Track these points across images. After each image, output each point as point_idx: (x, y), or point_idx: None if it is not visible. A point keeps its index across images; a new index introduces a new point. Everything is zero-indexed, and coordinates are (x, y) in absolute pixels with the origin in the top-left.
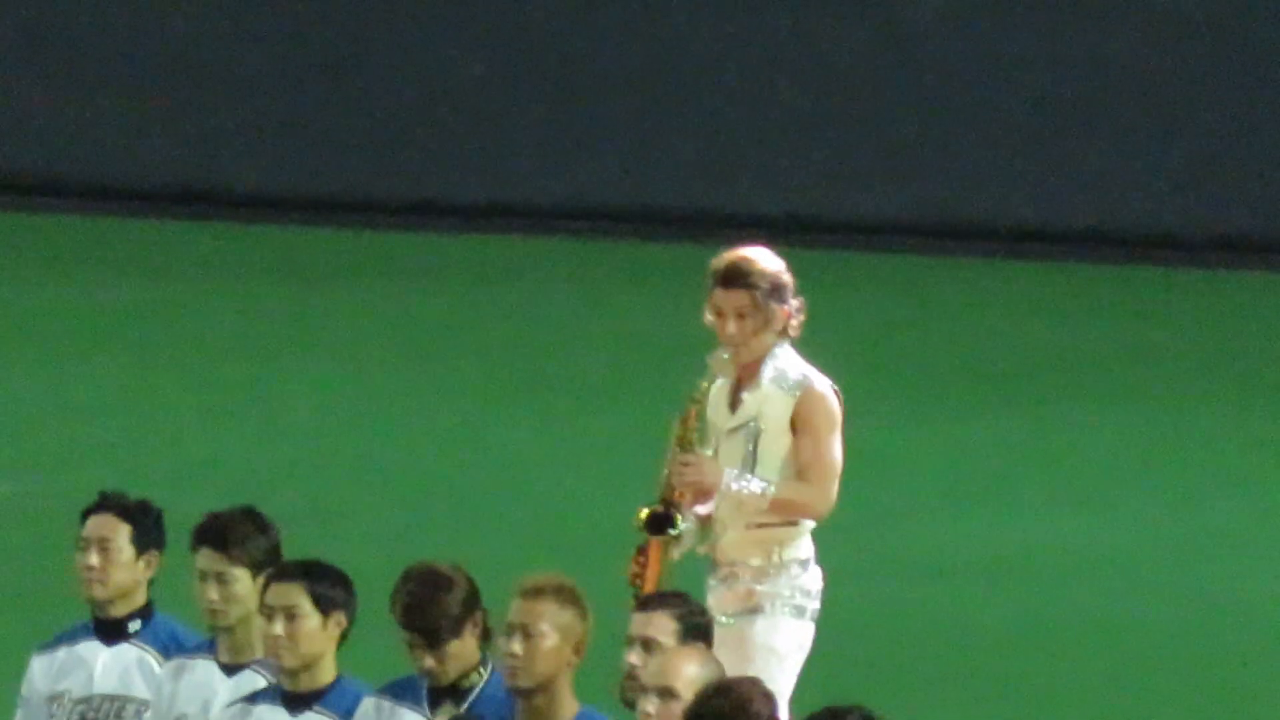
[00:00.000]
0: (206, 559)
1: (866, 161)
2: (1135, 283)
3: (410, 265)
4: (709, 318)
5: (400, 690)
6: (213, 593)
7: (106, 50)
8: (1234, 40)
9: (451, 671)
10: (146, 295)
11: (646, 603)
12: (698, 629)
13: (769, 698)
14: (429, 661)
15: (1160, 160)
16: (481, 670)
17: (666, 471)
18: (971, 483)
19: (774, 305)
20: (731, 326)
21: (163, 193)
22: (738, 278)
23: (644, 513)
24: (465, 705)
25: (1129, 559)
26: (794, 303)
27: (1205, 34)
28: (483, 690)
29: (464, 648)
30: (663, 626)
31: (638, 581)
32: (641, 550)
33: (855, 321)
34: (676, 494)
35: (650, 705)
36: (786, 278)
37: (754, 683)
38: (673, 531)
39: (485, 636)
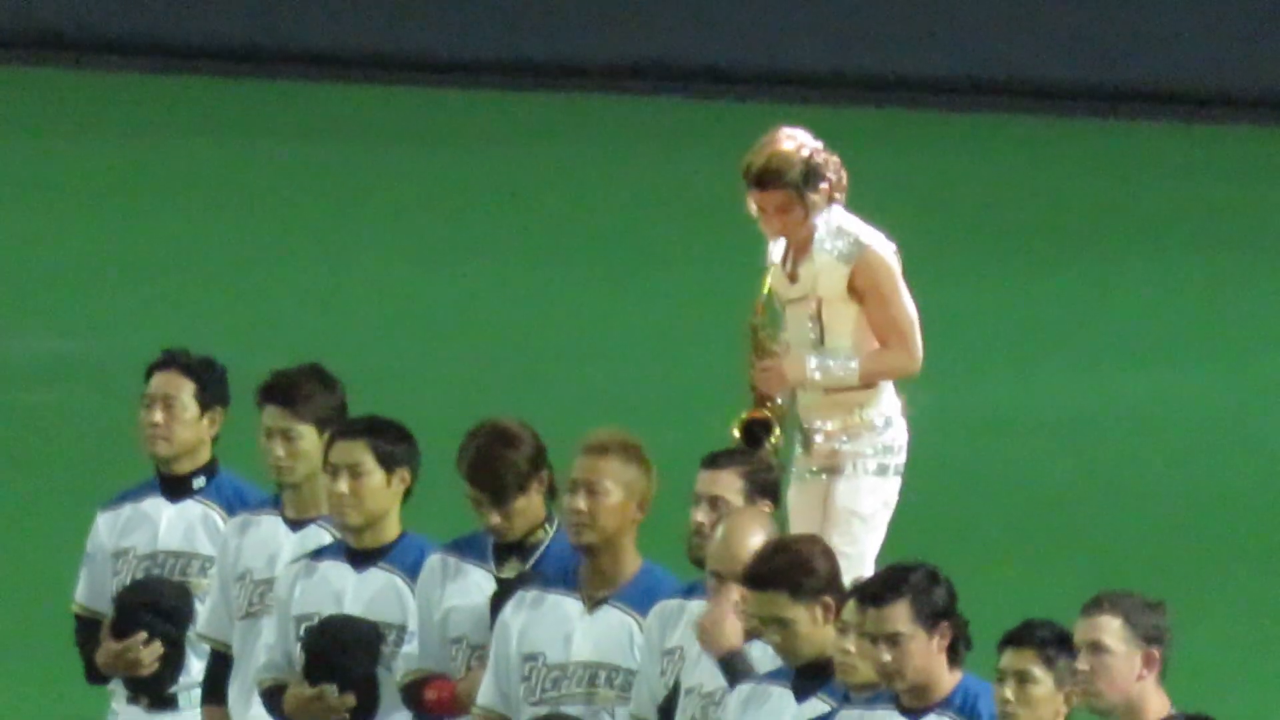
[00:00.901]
0: (272, 416)
1: (922, 19)
2: (1195, 140)
3: (475, 125)
4: (753, 211)
5: (466, 546)
6: (279, 449)
7: None
8: None
9: (517, 528)
10: (209, 153)
11: (714, 460)
12: (765, 486)
13: (829, 555)
14: (495, 518)
15: (1221, 18)
16: (547, 527)
17: (751, 381)
18: (1035, 340)
19: (811, 192)
20: (776, 222)
21: (229, 51)
22: (770, 177)
23: (737, 429)
24: (530, 561)
25: (1196, 414)
26: (831, 176)
27: None
28: (548, 547)
29: (530, 504)
30: (729, 484)
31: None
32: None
33: (915, 180)
34: (767, 404)
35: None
36: (818, 157)
37: (813, 540)
38: (771, 441)
39: (552, 494)
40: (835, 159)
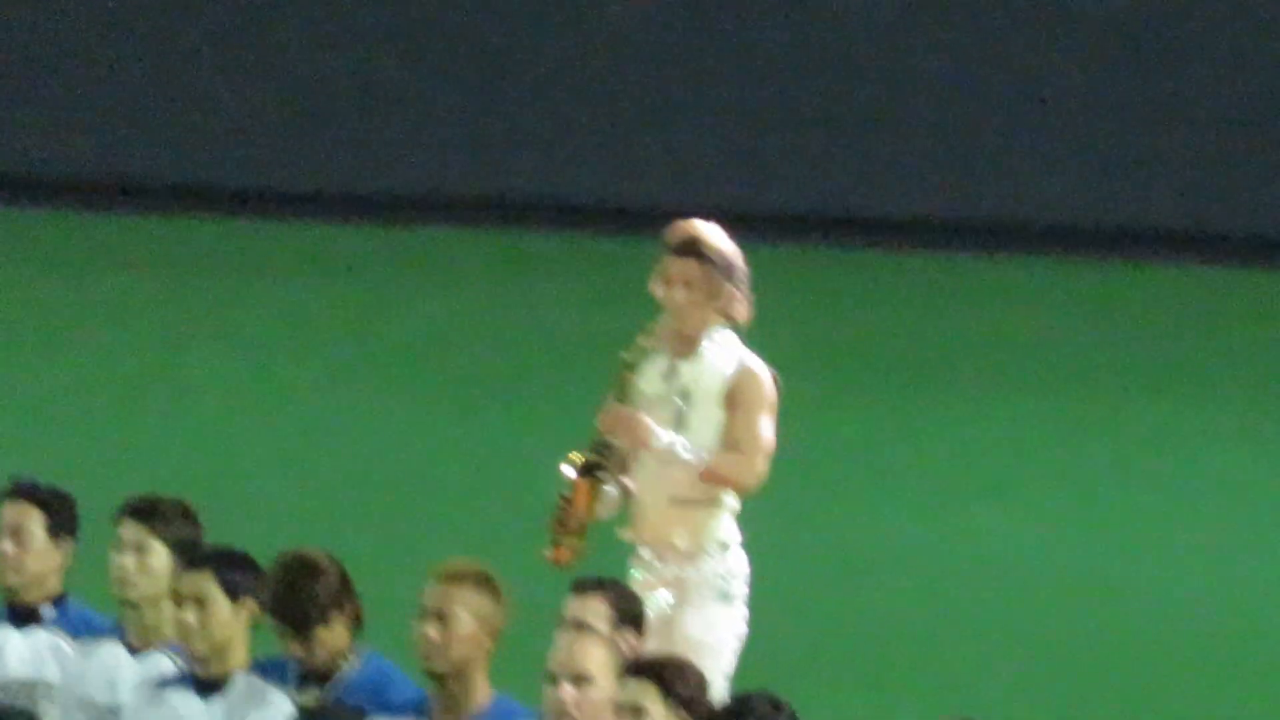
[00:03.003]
0: (130, 529)
1: (768, 154)
2: (1042, 273)
3: (321, 257)
4: (658, 287)
5: (270, 669)
6: (129, 561)
7: None
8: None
9: (319, 657)
10: (49, 288)
11: (583, 586)
12: (631, 615)
13: (702, 681)
14: (295, 648)
15: (1049, 149)
16: (350, 657)
17: (602, 418)
18: (881, 474)
19: (722, 280)
20: (680, 294)
21: (69, 184)
22: (691, 246)
23: (576, 457)
24: (330, 691)
25: (1038, 551)
26: (743, 289)
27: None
28: (352, 677)
29: (332, 635)
30: (598, 611)
31: (559, 530)
32: (567, 499)
33: (768, 314)
34: (609, 445)
35: (566, 693)
36: (740, 262)
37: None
38: (602, 474)
39: (357, 624)
40: (749, 285)
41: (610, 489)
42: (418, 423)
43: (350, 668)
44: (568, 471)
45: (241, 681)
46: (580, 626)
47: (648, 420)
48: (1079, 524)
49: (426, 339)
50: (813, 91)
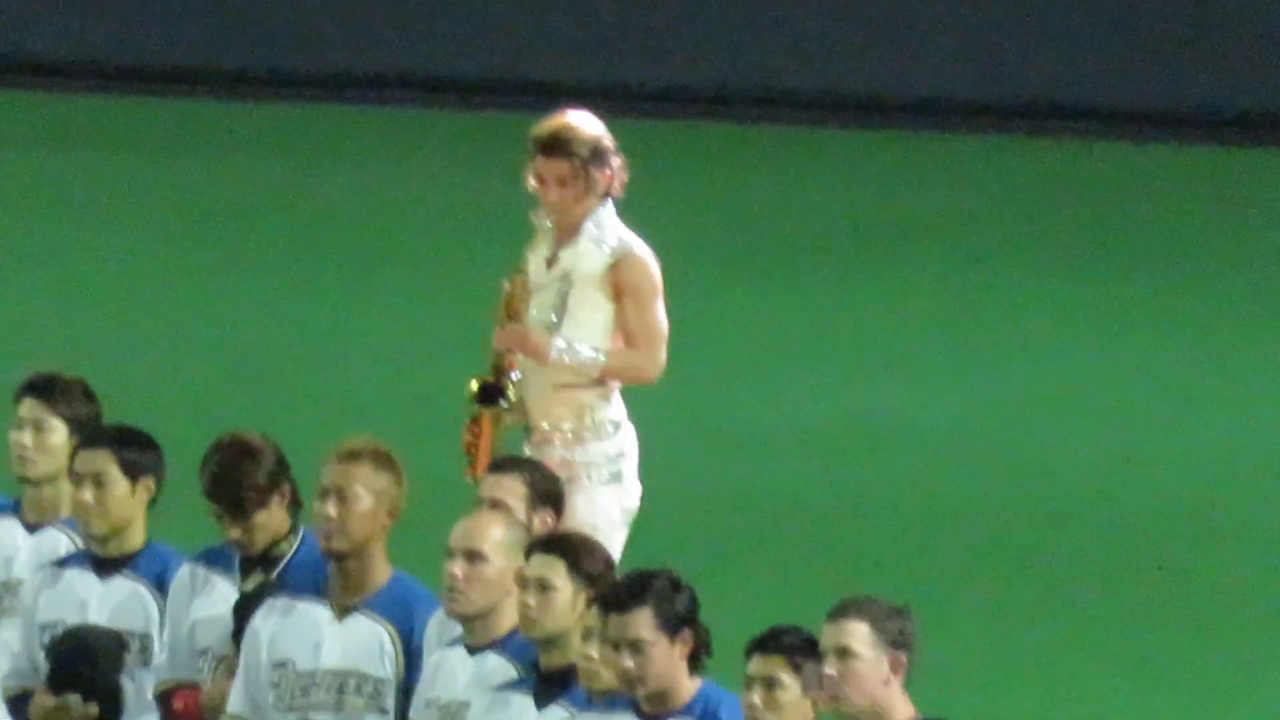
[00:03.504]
0: (28, 407)
1: (667, 25)
2: (939, 150)
3: (226, 136)
4: (531, 184)
5: (214, 557)
6: (27, 438)
7: None
8: None
9: (259, 541)
10: None
11: (500, 465)
12: (549, 495)
13: (609, 560)
14: (235, 532)
15: (948, 24)
16: (291, 539)
17: (495, 341)
18: (780, 352)
19: (595, 170)
20: (553, 194)
21: None
22: (558, 145)
23: (474, 384)
24: (274, 573)
25: (937, 427)
26: (615, 162)
27: None
28: (292, 558)
29: (271, 518)
30: (512, 489)
31: (472, 451)
32: (475, 420)
33: (663, 191)
34: (507, 363)
35: (458, 569)
36: (607, 141)
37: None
38: (504, 404)
39: (295, 505)
40: (622, 155)
41: (516, 394)
42: (309, 301)
43: (290, 548)
44: (471, 399)
45: (186, 571)
46: (495, 505)
47: (539, 336)
48: (982, 399)
49: (327, 217)
50: None
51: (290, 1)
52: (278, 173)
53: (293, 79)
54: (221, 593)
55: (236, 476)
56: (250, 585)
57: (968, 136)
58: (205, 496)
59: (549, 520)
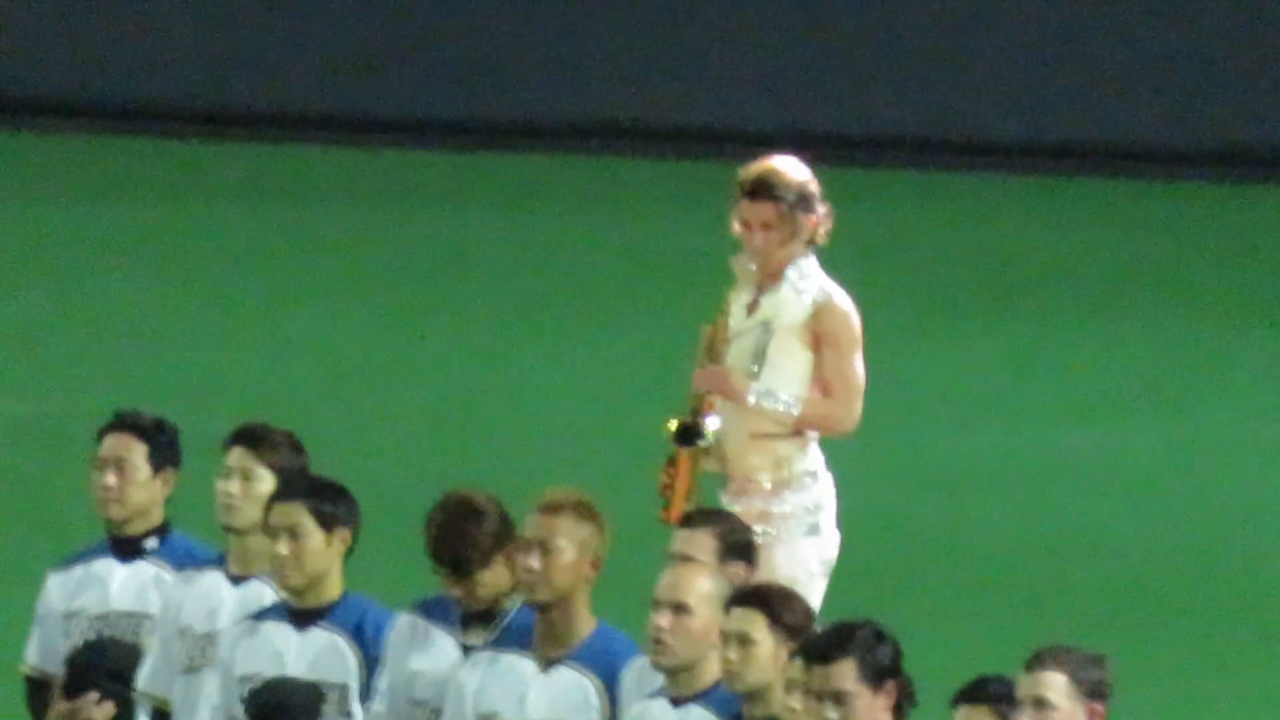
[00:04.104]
0: (237, 456)
1: (867, 73)
2: (1145, 196)
3: (422, 186)
4: (736, 228)
5: (435, 609)
6: (234, 486)
7: None
8: None
9: (482, 598)
10: (158, 215)
11: (690, 520)
12: (739, 547)
13: (810, 611)
14: (458, 591)
15: (1165, 75)
16: (515, 596)
17: (695, 382)
18: (978, 396)
19: (800, 215)
20: (759, 239)
21: (177, 112)
22: (764, 189)
23: (673, 424)
24: (496, 629)
25: (1140, 469)
26: (821, 210)
27: None
28: (515, 615)
29: (494, 576)
30: (703, 545)
31: (667, 493)
32: (672, 461)
33: (860, 236)
34: (706, 404)
35: (663, 620)
36: (813, 186)
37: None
38: (701, 443)
39: None
40: (827, 203)
41: (714, 433)
42: (516, 350)
43: (513, 606)
44: (670, 439)
45: (406, 622)
46: (685, 560)
47: (739, 379)
48: (1185, 441)
49: (527, 265)
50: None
51: (500, 49)
52: (486, 221)
53: (497, 127)
54: (442, 646)
55: (460, 536)
56: (472, 640)
57: (1174, 184)
58: (429, 555)
59: (740, 573)
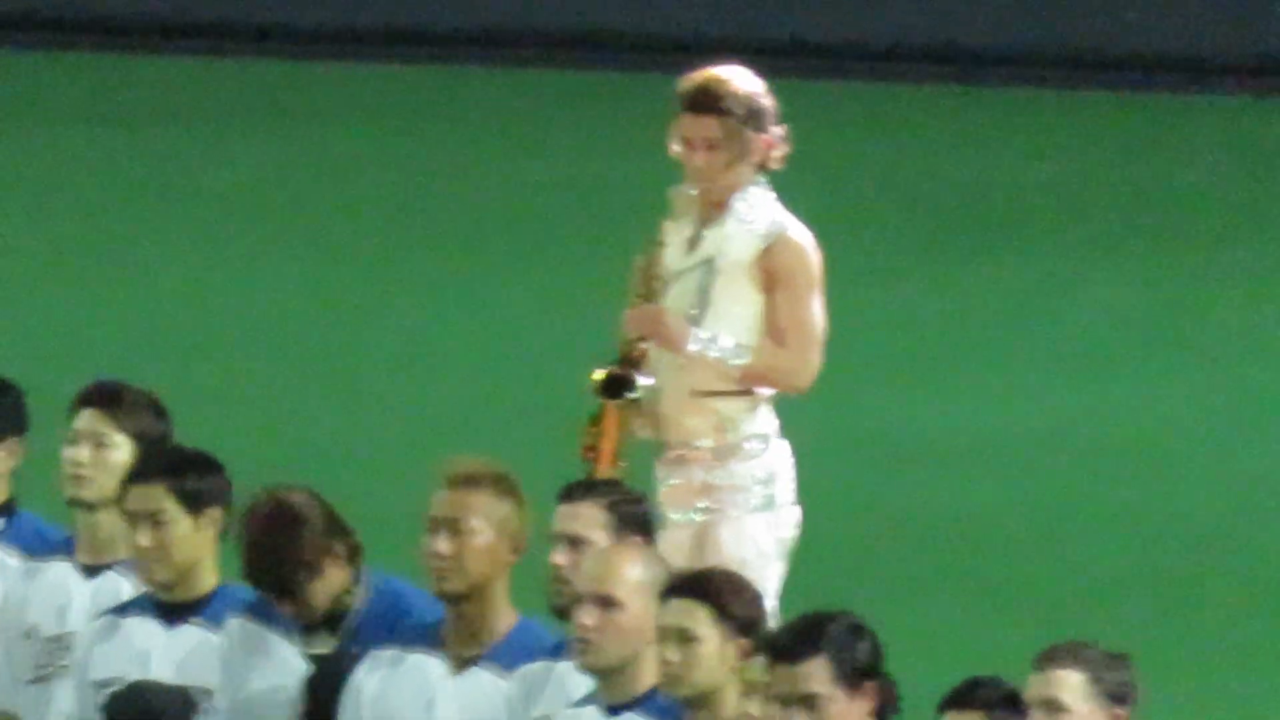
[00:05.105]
0: (86, 419)
1: None
2: (1169, 114)
3: (312, 100)
4: (675, 148)
5: (271, 611)
6: (84, 453)
7: None
8: None
9: (319, 608)
10: None
11: (570, 492)
12: (634, 520)
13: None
14: (288, 608)
15: None
16: (355, 590)
17: (625, 324)
18: (960, 347)
19: (750, 133)
20: (700, 158)
21: (13, 21)
22: (709, 101)
23: (599, 374)
24: (342, 633)
25: (1147, 433)
26: (775, 130)
27: None
28: (361, 612)
29: (327, 582)
30: (591, 519)
31: (591, 456)
32: (596, 419)
33: (822, 160)
34: (638, 352)
35: (588, 616)
36: (766, 100)
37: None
38: (631, 395)
39: (353, 555)
40: (783, 124)
41: (647, 385)
42: (412, 293)
43: (358, 604)
44: (595, 392)
45: (237, 626)
46: (573, 541)
47: (677, 321)
48: (1197, 398)
49: (424, 193)
50: None
51: None
52: (378, 141)
53: (397, 35)
54: (282, 657)
55: (279, 552)
56: (320, 648)
57: (1208, 97)
58: (244, 577)
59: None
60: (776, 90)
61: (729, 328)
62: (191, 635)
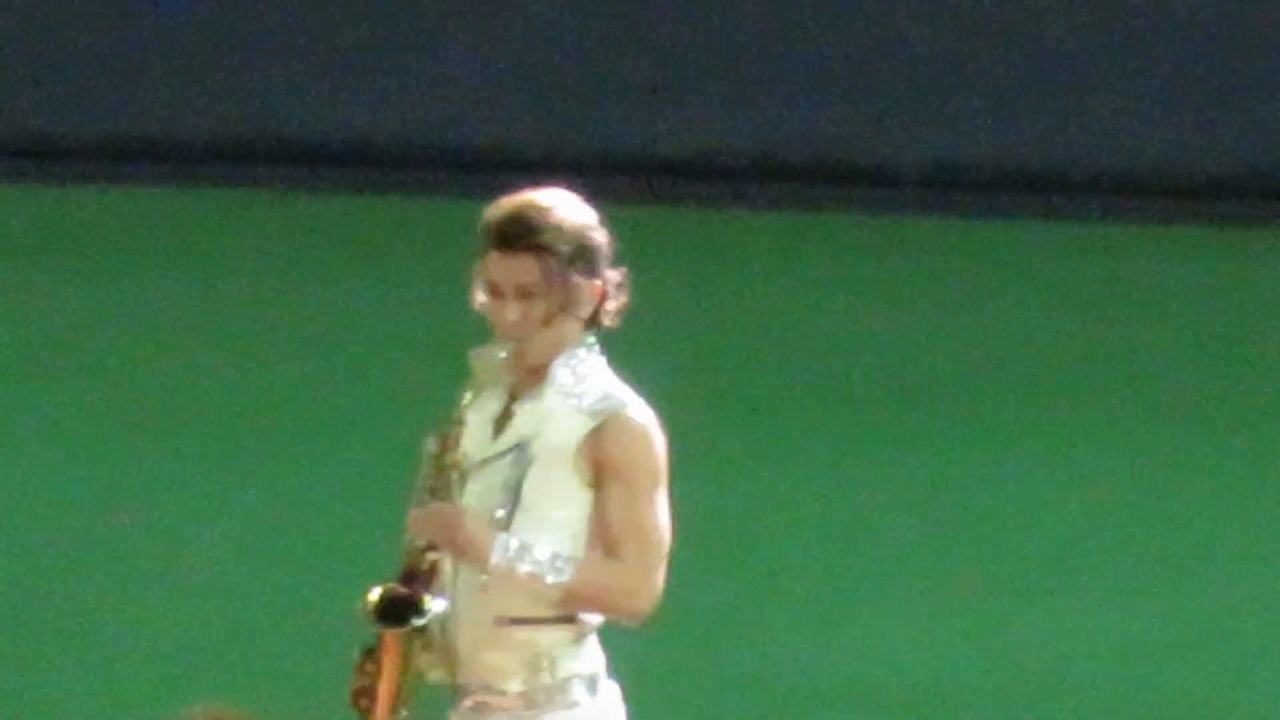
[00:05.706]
0: None
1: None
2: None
3: None
4: (480, 298)
5: None
6: None
7: None
8: None
9: None
10: None
11: None
12: None
13: None
14: None
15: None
16: None
17: (409, 527)
18: (841, 552)
19: (578, 278)
20: (513, 311)
21: None
22: (525, 235)
23: (375, 594)
24: None
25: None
26: (610, 275)
27: None
28: None
29: None
30: None
31: (364, 703)
32: (370, 653)
33: (661, 297)
34: (428, 565)
35: None
36: (599, 235)
37: None
38: (417, 620)
39: None
40: (620, 268)
41: (437, 609)
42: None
43: None
44: (370, 619)
45: None
46: None
47: (478, 527)
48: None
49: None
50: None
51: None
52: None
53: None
54: None
55: None
56: None
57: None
58: None
59: None
60: (610, 216)
61: (546, 534)
62: None
